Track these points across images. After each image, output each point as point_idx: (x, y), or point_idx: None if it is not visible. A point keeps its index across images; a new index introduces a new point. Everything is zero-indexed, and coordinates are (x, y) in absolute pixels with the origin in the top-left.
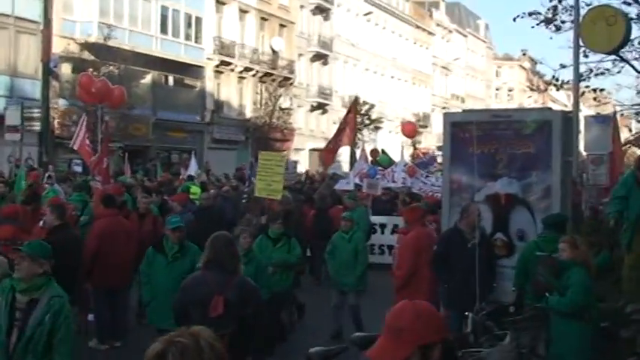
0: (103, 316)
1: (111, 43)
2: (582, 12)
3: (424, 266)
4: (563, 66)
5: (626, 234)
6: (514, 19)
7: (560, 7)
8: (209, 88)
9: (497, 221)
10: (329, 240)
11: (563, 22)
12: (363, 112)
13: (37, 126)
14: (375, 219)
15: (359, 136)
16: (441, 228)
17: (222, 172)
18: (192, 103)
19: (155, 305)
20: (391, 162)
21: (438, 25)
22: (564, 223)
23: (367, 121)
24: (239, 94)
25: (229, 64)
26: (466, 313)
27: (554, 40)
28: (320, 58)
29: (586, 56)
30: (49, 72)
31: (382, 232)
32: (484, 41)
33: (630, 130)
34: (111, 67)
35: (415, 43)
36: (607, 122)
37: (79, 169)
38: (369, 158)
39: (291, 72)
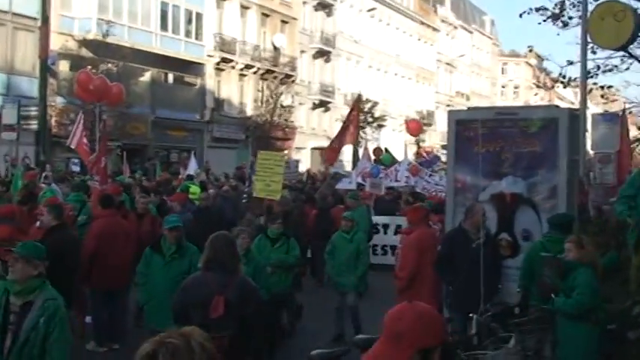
0: (101, 319)
1: (110, 39)
2: (590, 7)
3: (427, 267)
4: (570, 62)
5: (633, 234)
6: (520, 15)
7: (567, 2)
8: (209, 86)
9: (502, 221)
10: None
11: (570, 17)
12: (365, 109)
13: (34, 124)
14: (378, 219)
15: (362, 134)
16: (445, 228)
17: (222, 171)
18: (192, 101)
19: (153, 306)
20: (394, 161)
21: (443, 21)
22: (570, 223)
23: (370, 119)
24: (240, 92)
25: (230, 61)
26: (470, 315)
27: (562, 37)
28: (322, 54)
29: (594, 53)
30: (46, 69)
31: (385, 233)
32: (490, 37)
33: (639, 128)
34: (109, 65)
35: (419, 40)
36: (615, 120)
37: (77, 168)
38: (372, 157)
39: (293, 69)
